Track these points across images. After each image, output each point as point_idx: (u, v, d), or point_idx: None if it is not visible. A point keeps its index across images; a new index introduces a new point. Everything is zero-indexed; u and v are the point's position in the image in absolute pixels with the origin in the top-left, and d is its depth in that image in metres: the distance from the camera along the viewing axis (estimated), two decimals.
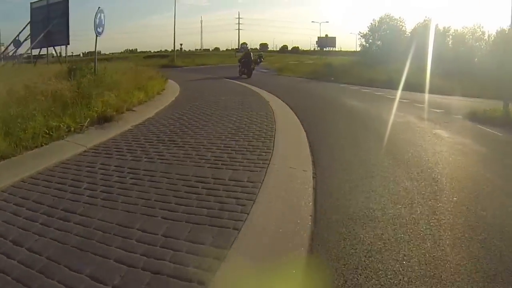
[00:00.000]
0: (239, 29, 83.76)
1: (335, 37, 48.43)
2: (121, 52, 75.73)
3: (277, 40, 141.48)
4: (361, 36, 25.95)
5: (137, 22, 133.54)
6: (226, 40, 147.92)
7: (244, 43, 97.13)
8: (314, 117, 7.28)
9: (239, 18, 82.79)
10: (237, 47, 37.76)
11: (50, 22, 17.02)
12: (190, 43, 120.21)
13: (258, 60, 28.11)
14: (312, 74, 19.32)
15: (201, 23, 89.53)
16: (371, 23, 25.39)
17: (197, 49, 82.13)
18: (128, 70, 10.81)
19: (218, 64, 31.73)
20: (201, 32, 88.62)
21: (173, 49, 34.36)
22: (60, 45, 17.92)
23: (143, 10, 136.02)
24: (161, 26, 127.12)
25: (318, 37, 46.27)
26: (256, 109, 7.58)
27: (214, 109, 7.68)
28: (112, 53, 65.17)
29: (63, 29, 16.99)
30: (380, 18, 25.33)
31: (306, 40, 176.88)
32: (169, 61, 29.82)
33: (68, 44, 17.38)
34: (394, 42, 22.55)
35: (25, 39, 18.66)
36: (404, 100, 9.87)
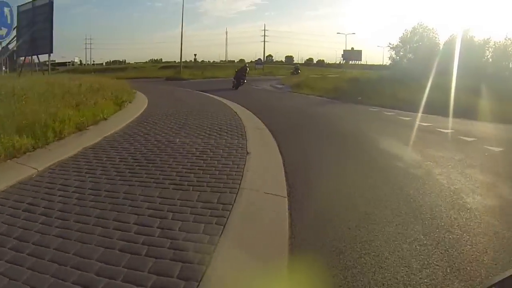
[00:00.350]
0: (264, 41, 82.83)
1: (361, 50, 46.51)
2: (145, 62, 76.86)
3: (302, 53, 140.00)
4: (390, 48, 22.60)
5: (165, 33, 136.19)
6: (252, 52, 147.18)
7: (270, 55, 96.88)
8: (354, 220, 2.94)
9: (264, 30, 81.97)
10: (257, 59, 35.62)
11: (35, 27, 15.09)
12: (215, 54, 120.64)
13: (295, 72, 26.62)
14: (335, 92, 15.55)
15: (226, 35, 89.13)
16: (403, 34, 22.14)
17: (222, 60, 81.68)
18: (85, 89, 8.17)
19: (229, 77, 28.71)
20: (226, 43, 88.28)
21: (186, 60, 32.27)
22: (43, 53, 15.89)
23: (171, 22, 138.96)
24: (188, 37, 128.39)
25: (343, 50, 45.00)
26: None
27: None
28: (136, 63, 66.12)
29: (46, 35, 14.96)
30: (412, 28, 22.04)
31: (332, 54, 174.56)
32: (176, 73, 27.57)
33: (51, 52, 15.31)
34: (427, 55, 19.23)
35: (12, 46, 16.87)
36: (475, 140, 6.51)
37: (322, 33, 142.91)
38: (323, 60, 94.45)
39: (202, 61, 76.76)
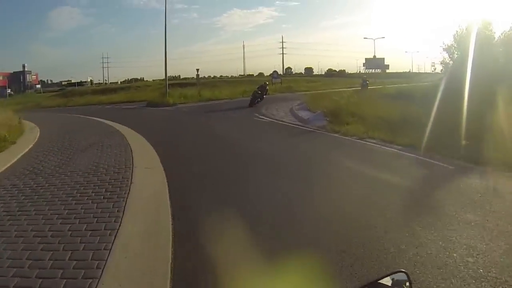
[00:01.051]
0: (283, 53, 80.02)
1: (383, 58, 41.22)
2: (162, 79, 75.50)
3: (322, 64, 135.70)
4: (443, 49, 17.35)
5: (184, 48, 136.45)
6: (271, 65, 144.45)
7: (289, 68, 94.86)
8: None
9: (282, 42, 78.76)
10: (273, 71, 31.81)
11: None
12: (233, 69, 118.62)
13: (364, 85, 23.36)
14: (409, 130, 7.89)
15: (243, 49, 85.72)
16: (456, 31, 16.94)
17: (240, 75, 79.13)
18: None
19: (235, 98, 22.63)
20: (244, 57, 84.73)
21: (191, 76, 28.15)
22: None
23: (190, 38, 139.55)
24: (204, 53, 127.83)
25: (365, 59, 40.73)
26: None
27: None
28: (153, 80, 64.61)
29: None
30: (468, 24, 16.90)
31: (352, 63, 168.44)
32: (161, 95, 21.84)
33: None
34: (485, 56, 14.04)
35: None
36: None
37: (341, 43, 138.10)
38: (344, 70, 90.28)
39: (214, 76, 77.24)
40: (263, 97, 17.75)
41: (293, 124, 11.65)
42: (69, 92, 41.53)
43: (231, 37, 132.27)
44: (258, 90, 17.53)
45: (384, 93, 16.40)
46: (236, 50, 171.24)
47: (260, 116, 13.14)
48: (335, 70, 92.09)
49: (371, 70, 39.79)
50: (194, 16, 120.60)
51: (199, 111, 16.42)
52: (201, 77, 30.17)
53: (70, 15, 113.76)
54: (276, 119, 12.65)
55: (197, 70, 26.47)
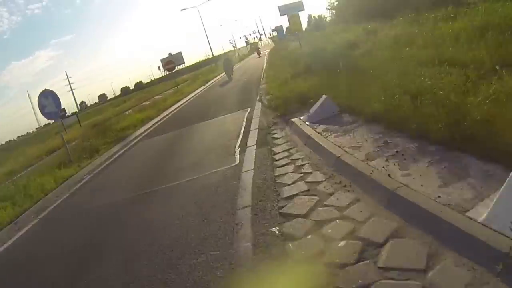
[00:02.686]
0: (72, 90, 70.70)
1: (180, 52, 39.60)
2: None
3: (115, 84, 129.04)
4: None
5: None
6: (64, 105, 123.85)
7: (83, 102, 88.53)
8: None
9: (68, 78, 71.14)
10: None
11: None
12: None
13: None
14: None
15: (30, 100, 69.80)
16: None
17: (37, 128, 71.32)
18: None
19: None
20: (33, 109, 71.19)
21: None
22: None
23: None
24: None
25: (161, 60, 37.24)
26: None
27: None
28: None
29: None
30: None
31: (146, 72, 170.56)
32: None
33: None
34: None
35: None
36: None
37: (126, 58, 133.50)
38: (140, 82, 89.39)
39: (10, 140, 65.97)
40: None
41: None
42: None
43: (18, 92, 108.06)
44: None
45: None
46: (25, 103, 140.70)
47: None
48: (128, 87, 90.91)
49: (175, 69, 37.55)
50: None
51: None
52: None
53: None
54: None
55: None
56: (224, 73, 22.07)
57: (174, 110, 14.51)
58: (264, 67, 18.99)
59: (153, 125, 11.88)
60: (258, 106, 8.52)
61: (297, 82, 8.43)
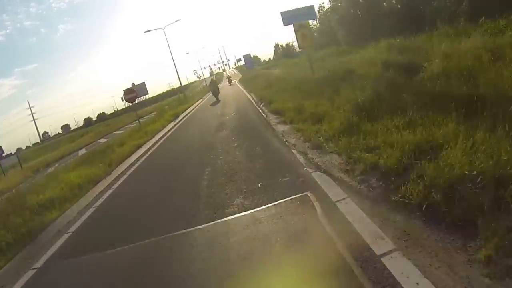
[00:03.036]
0: (34, 120, 71.24)
1: (144, 82, 35.03)
2: None
3: (77, 115, 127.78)
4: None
5: None
6: (25, 135, 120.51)
7: (45, 132, 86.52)
8: None
9: (30, 108, 71.20)
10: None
11: None
12: None
13: None
14: None
15: None
16: None
17: None
18: None
19: None
20: None
21: None
22: None
23: None
24: None
25: (123, 90, 32.20)
26: None
27: None
28: None
29: None
30: None
31: (109, 103, 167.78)
32: None
33: None
34: None
35: None
36: None
37: (89, 87, 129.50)
38: (103, 113, 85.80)
39: None
40: None
41: None
42: None
43: None
44: None
45: None
46: None
47: None
48: (91, 118, 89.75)
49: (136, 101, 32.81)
50: None
51: None
52: None
53: None
54: None
55: None
56: (201, 103, 21.24)
57: (130, 169, 8.50)
58: (253, 97, 14.38)
59: (89, 207, 6.24)
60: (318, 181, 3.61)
61: None
